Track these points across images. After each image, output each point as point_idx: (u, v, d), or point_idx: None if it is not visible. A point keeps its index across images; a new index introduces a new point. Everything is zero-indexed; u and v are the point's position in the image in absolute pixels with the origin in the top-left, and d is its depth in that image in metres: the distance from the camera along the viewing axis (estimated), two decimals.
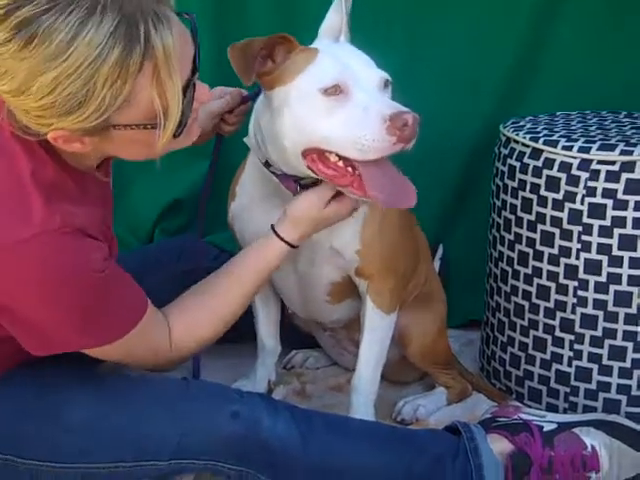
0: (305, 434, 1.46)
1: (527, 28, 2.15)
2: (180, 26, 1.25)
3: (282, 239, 1.53)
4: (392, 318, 1.69)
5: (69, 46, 1.16)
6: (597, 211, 1.71)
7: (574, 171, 1.72)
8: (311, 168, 1.46)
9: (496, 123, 1.99)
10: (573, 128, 1.86)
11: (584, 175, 1.71)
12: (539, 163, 1.77)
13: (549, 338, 1.81)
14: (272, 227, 1.53)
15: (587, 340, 1.77)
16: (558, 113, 2.01)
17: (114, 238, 1.46)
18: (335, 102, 1.41)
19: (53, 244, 1.27)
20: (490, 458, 1.52)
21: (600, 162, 1.71)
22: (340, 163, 1.43)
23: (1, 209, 1.27)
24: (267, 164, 1.55)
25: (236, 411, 1.43)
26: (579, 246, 1.74)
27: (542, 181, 1.76)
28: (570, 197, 1.73)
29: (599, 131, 1.84)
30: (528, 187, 1.79)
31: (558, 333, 1.79)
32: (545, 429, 1.57)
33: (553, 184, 1.75)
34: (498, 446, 1.54)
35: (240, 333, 1.80)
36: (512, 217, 1.83)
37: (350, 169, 1.43)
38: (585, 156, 1.72)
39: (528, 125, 1.89)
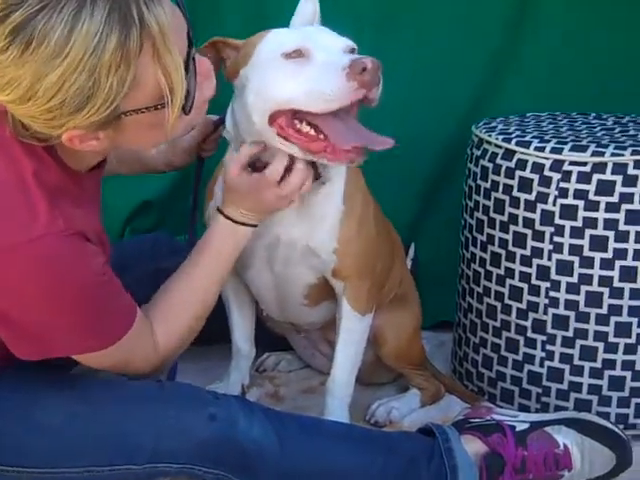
0: (281, 436, 1.45)
1: (498, 30, 2.16)
2: (168, 2, 1.25)
3: (221, 212, 1.54)
4: (368, 320, 1.69)
5: (67, 42, 1.16)
6: (569, 212, 1.72)
7: (546, 172, 1.73)
8: (281, 135, 1.45)
9: (467, 124, 2.00)
10: (545, 129, 1.88)
11: (556, 176, 1.72)
12: (512, 164, 1.77)
13: (521, 339, 1.82)
14: (217, 207, 1.56)
15: (559, 341, 1.78)
16: (528, 114, 2.03)
17: (107, 240, 1.45)
18: (297, 64, 1.43)
19: (57, 246, 1.27)
20: (464, 459, 1.52)
21: (572, 163, 1.71)
22: (312, 132, 1.44)
23: (5, 210, 1.26)
24: None
25: (213, 414, 1.42)
26: (551, 247, 1.75)
27: (515, 182, 1.77)
28: (542, 198, 1.74)
29: (570, 132, 1.85)
30: (501, 188, 1.79)
31: (530, 334, 1.80)
32: (517, 429, 1.58)
33: (526, 185, 1.75)
34: (472, 447, 1.55)
35: (211, 335, 1.79)
36: (485, 218, 1.84)
37: (322, 136, 1.43)
38: (557, 157, 1.73)
39: (500, 126, 1.90)
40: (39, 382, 1.44)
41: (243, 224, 1.53)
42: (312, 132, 1.44)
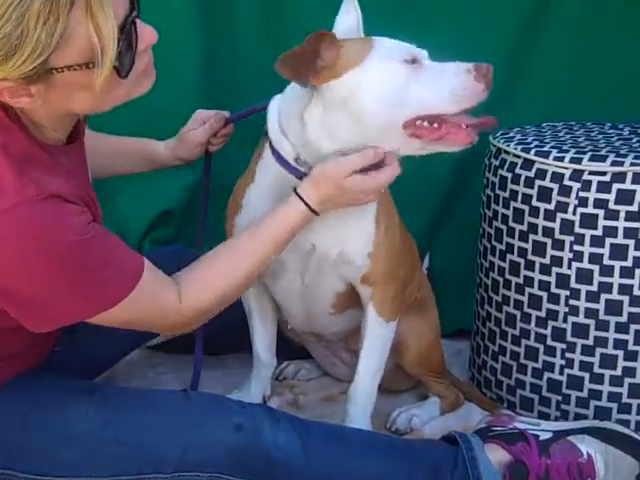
0: (306, 444, 1.46)
1: (510, 42, 2.18)
2: None
3: (301, 199, 1.50)
4: (393, 327, 1.70)
5: None
6: (589, 221, 1.73)
7: (566, 181, 1.74)
8: (417, 136, 1.47)
9: (481, 134, 2.01)
10: (562, 139, 1.89)
11: (576, 185, 1.73)
12: (531, 174, 1.79)
13: (541, 347, 1.82)
14: (294, 189, 1.52)
15: (579, 349, 1.78)
16: (544, 124, 2.04)
17: (98, 207, 1.44)
18: (418, 68, 1.47)
19: (33, 211, 1.26)
20: (488, 468, 1.53)
21: (591, 173, 1.73)
22: (425, 124, 1.47)
23: None
24: (298, 162, 1.53)
25: (239, 423, 1.43)
26: (571, 255, 1.76)
27: (534, 191, 1.78)
28: (562, 207, 1.75)
29: (588, 142, 1.86)
30: (520, 197, 1.81)
31: (550, 342, 1.81)
32: (541, 438, 1.58)
33: (545, 194, 1.76)
34: (495, 456, 1.55)
35: (235, 345, 1.81)
36: (504, 227, 1.85)
37: (436, 124, 1.47)
38: (577, 167, 1.74)
39: (518, 136, 1.91)
40: (67, 392, 1.46)
41: (314, 212, 1.52)
42: (434, 125, 1.47)
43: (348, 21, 1.56)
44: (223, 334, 1.83)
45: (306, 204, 1.50)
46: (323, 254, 1.61)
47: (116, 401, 1.46)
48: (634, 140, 1.88)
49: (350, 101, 1.46)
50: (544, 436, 1.59)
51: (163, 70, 2.10)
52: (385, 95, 1.45)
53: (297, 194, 1.50)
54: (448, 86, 1.45)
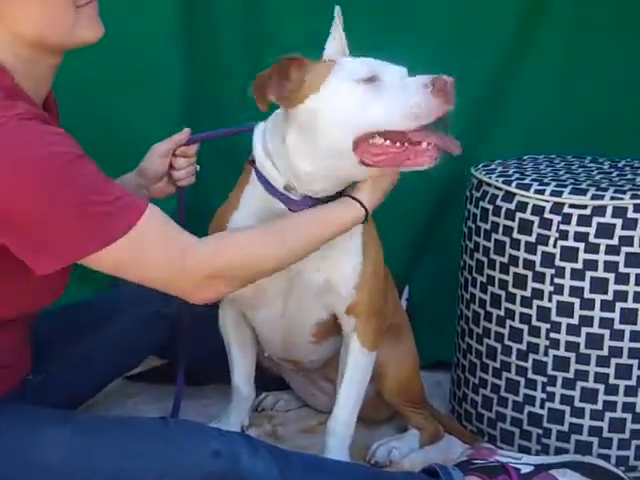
0: (284, 473, 1.44)
1: (489, 72, 2.20)
2: None
3: (359, 202, 1.53)
4: (374, 356, 1.69)
5: None
6: (569, 254, 1.73)
7: (546, 214, 1.75)
8: (364, 162, 1.46)
9: (460, 167, 2.02)
10: (543, 172, 1.90)
11: (556, 218, 1.74)
12: (512, 206, 1.79)
13: (522, 380, 1.82)
14: (346, 195, 1.54)
15: (559, 382, 1.78)
16: (525, 157, 2.05)
17: None
18: (374, 87, 1.45)
19: (20, 126, 1.29)
20: None
21: (572, 206, 1.73)
22: (387, 143, 1.45)
23: None
24: (287, 188, 1.54)
25: (217, 450, 1.40)
26: (552, 288, 1.76)
27: (515, 224, 1.78)
28: (542, 240, 1.75)
29: (568, 175, 1.87)
30: (501, 230, 1.81)
31: (530, 375, 1.81)
32: (522, 471, 1.58)
33: (526, 227, 1.77)
34: None
35: (216, 374, 1.79)
36: (485, 259, 1.85)
37: (398, 144, 1.45)
38: (557, 200, 1.75)
39: (499, 168, 1.92)
40: (39, 418, 1.43)
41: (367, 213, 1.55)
42: (388, 143, 1.45)
43: (335, 47, 1.59)
44: (203, 363, 1.81)
45: (363, 206, 1.53)
46: (308, 281, 1.60)
47: (93, 428, 1.44)
48: (614, 174, 1.89)
49: (312, 125, 1.47)
50: (525, 469, 1.58)
51: (145, 84, 2.14)
52: (339, 117, 1.46)
53: (354, 199, 1.53)
54: (403, 103, 1.43)
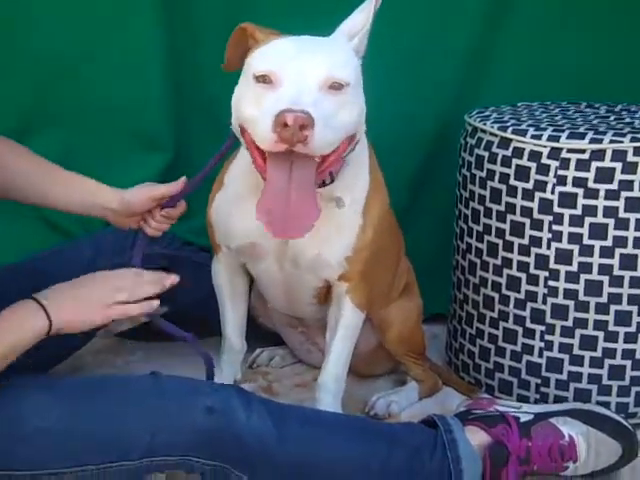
0: (280, 427, 1.42)
1: (481, 21, 2.14)
2: None
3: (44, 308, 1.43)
4: (364, 316, 1.67)
5: None
6: (568, 200, 1.70)
7: (544, 160, 1.71)
8: (246, 148, 1.45)
9: (452, 114, 1.97)
10: (539, 118, 1.85)
11: (554, 164, 1.70)
12: (508, 152, 1.75)
13: (520, 329, 1.79)
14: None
15: (558, 330, 1.75)
16: (520, 104, 2.00)
17: None
18: (262, 90, 1.38)
19: None
20: (468, 450, 1.50)
21: (570, 150, 1.69)
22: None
23: None
24: None
25: (210, 406, 1.38)
26: (550, 236, 1.72)
27: (511, 171, 1.74)
28: (540, 186, 1.71)
29: (565, 120, 1.83)
30: (497, 177, 1.77)
31: (529, 324, 1.78)
32: (522, 420, 1.56)
33: (523, 173, 1.73)
34: (475, 438, 1.52)
35: (209, 329, 1.76)
36: (480, 208, 1.81)
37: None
38: (555, 145, 1.70)
39: (494, 115, 1.87)
40: (27, 385, 1.40)
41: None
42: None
43: (356, 21, 1.47)
44: (199, 305, 1.79)
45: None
46: (299, 252, 1.57)
47: (79, 389, 1.41)
48: (611, 118, 1.85)
49: None
50: (525, 418, 1.56)
51: (127, 86, 2.09)
52: (235, 97, 1.45)
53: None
54: (258, 120, 1.35)
